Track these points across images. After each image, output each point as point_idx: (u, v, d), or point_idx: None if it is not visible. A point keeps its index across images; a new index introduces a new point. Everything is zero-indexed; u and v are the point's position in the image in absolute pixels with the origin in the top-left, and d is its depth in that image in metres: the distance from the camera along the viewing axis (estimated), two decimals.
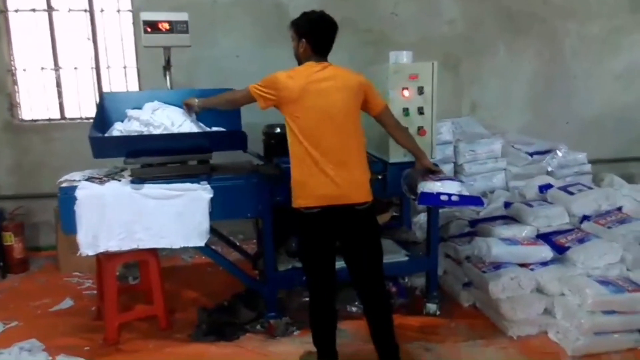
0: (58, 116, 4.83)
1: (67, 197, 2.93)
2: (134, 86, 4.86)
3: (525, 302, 3.09)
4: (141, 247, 3.03)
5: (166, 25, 3.24)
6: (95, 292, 3.70)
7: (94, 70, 4.81)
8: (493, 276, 3.17)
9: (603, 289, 2.89)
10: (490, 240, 3.35)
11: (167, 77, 3.54)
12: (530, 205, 3.72)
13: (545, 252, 3.27)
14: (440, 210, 3.47)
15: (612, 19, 5.57)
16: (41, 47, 4.71)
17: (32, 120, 4.80)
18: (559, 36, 5.49)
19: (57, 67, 4.76)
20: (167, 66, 3.52)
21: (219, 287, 3.79)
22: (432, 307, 3.37)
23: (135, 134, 3.09)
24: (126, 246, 3.01)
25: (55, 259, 4.42)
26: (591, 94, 5.62)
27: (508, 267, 3.21)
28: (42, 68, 4.74)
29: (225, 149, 3.32)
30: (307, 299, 3.31)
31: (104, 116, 3.24)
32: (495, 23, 5.31)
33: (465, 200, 2.76)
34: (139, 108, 3.25)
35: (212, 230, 3.22)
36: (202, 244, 3.06)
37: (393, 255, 3.37)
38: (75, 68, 4.79)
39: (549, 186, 3.98)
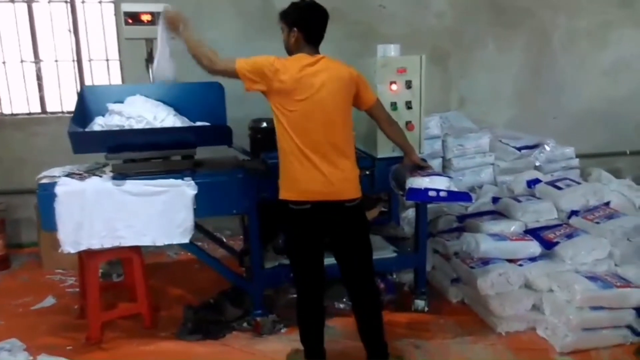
0: (39, 110, 4.72)
1: (46, 194, 2.86)
2: (116, 79, 4.76)
3: (513, 298, 3.08)
4: (123, 244, 2.97)
5: (148, 17, 3.14)
6: (78, 289, 3.62)
7: (76, 63, 4.70)
8: (481, 272, 3.15)
9: (591, 285, 2.88)
10: (479, 236, 3.33)
11: (150, 71, 3.45)
12: (519, 201, 3.71)
13: (533, 247, 3.26)
14: (429, 206, 3.44)
15: (601, 14, 5.55)
16: (21, 39, 4.59)
17: (12, 115, 4.69)
18: (548, 30, 5.46)
19: (37, 60, 4.65)
20: (150, 59, 3.42)
21: (205, 284, 3.73)
22: (420, 303, 3.35)
23: (117, 128, 3.02)
24: (108, 244, 2.95)
25: (37, 255, 4.32)
26: (579, 88, 5.61)
27: (496, 262, 3.20)
28: (22, 61, 4.63)
29: (210, 144, 3.27)
30: (294, 296, 3.28)
31: (84, 110, 3.16)
32: (484, 16, 5.27)
33: (453, 196, 2.72)
34: (121, 102, 3.17)
35: (198, 227, 3.17)
36: (186, 241, 3.00)
37: (381, 251, 3.34)
38: (56, 61, 4.68)
39: (537, 181, 3.97)
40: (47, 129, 4.60)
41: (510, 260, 3.23)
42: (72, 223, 2.87)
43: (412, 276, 3.48)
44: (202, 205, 2.98)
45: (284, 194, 2.50)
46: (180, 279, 3.96)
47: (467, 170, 4.51)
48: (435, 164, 4.34)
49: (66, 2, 4.58)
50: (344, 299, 3.32)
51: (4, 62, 4.61)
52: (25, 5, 4.54)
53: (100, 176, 3.00)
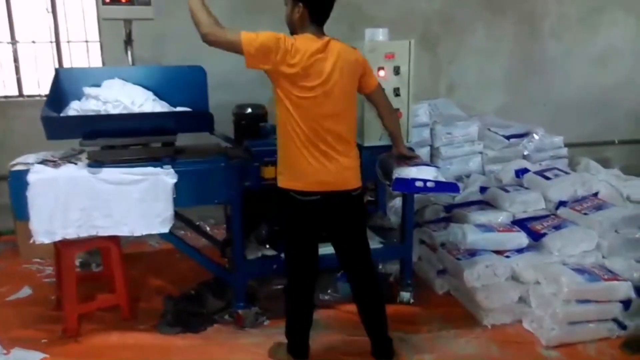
0: (16, 93, 4.56)
1: (18, 182, 2.74)
2: (97, 62, 4.60)
3: (500, 290, 3.04)
4: (101, 234, 2.86)
5: None
6: (55, 280, 3.52)
7: (54, 45, 4.53)
8: (468, 264, 3.11)
9: (578, 278, 2.85)
10: (466, 227, 3.28)
11: (129, 53, 3.32)
12: (507, 191, 3.67)
13: (520, 238, 3.23)
14: (416, 195, 3.37)
15: (592, 0, 5.48)
16: None
17: None
18: (538, 16, 5.39)
19: (14, 41, 4.47)
20: (129, 41, 3.29)
21: (186, 274, 3.64)
22: (405, 295, 3.29)
23: (93, 113, 2.89)
24: (84, 233, 2.83)
25: (14, 244, 4.18)
26: (569, 75, 5.56)
27: (483, 254, 3.16)
28: None
29: (191, 131, 3.15)
30: (278, 287, 3.23)
31: (59, 94, 3.03)
32: (474, 0, 5.17)
33: (440, 186, 2.68)
34: (98, 85, 3.04)
35: (179, 216, 3.07)
36: (166, 231, 2.90)
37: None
38: (34, 42, 4.51)
39: (525, 170, 3.93)
40: (24, 112, 4.42)
41: (497, 252, 3.19)
42: (45, 212, 2.75)
43: (398, 267, 3.43)
44: (183, 195, 2.87)
45: (289, 183, 2.40)
46: (161, 268, 3.86)
47: (455, 159, 4.44)
48: (424, 152, 4.27)
49: None
50: (329, 291, 3.27)
51: None
52: None
53: (76, 163, 2.87)
